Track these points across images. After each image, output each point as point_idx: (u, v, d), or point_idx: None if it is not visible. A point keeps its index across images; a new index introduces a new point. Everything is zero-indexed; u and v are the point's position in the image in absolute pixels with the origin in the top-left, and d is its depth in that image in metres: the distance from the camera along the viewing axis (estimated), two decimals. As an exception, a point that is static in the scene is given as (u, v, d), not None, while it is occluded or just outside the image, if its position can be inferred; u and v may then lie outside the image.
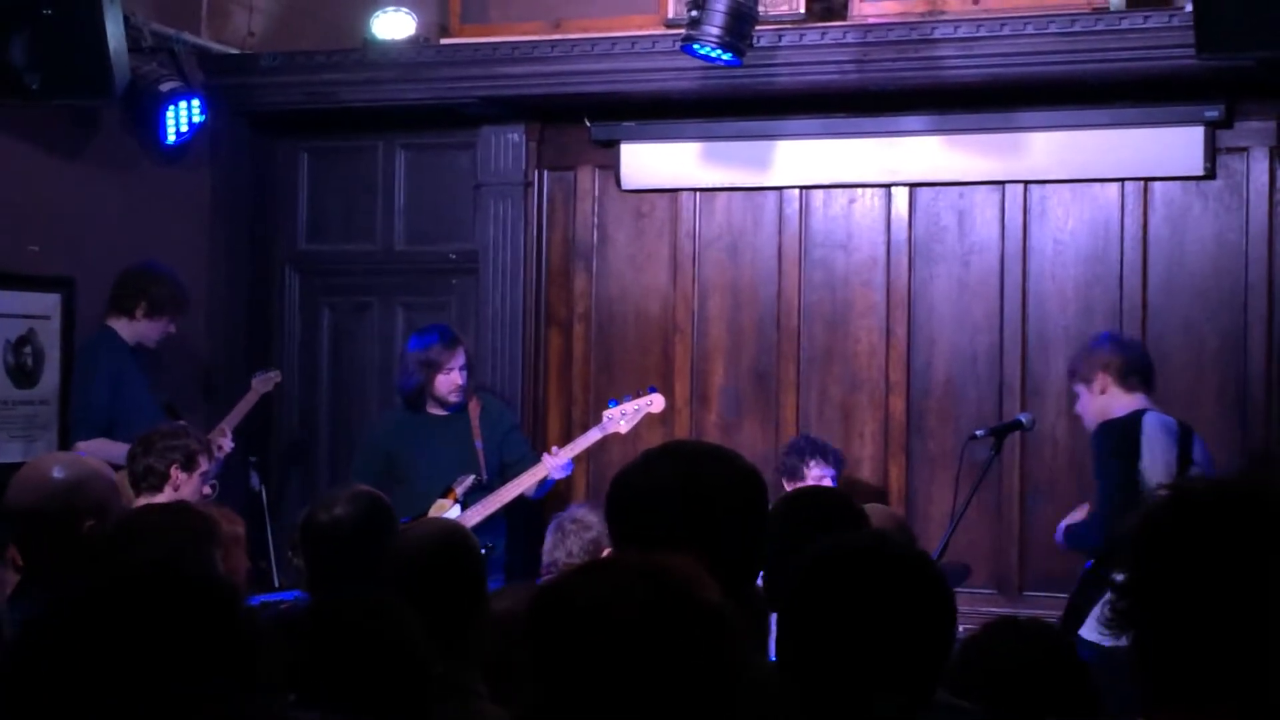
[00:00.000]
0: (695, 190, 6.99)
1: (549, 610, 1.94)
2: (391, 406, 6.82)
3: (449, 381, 6.34)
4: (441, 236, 7.36)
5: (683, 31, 5.94)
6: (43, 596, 3.40)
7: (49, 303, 6.45)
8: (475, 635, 3.16)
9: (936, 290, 6.67)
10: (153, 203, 6.92)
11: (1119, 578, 1.85)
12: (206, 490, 4.88)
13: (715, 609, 1.93)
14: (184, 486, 4.76)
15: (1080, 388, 5.69)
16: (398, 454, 6.38)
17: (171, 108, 6.64)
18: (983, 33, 6.12)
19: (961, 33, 6.15)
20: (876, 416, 6.72)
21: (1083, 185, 6.50)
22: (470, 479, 6.24)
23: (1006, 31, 6.09)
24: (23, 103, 6.01)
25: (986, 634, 2.95)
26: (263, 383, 6.77)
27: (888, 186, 6.74)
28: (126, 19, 6.15)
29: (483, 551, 3.49)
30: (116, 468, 4.54)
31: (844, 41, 6.29)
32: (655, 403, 6.32)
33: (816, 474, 6.09)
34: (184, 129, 6.71)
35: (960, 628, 2.42)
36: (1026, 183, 6.56)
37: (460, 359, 6.37)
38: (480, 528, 6.00)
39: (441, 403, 6.39)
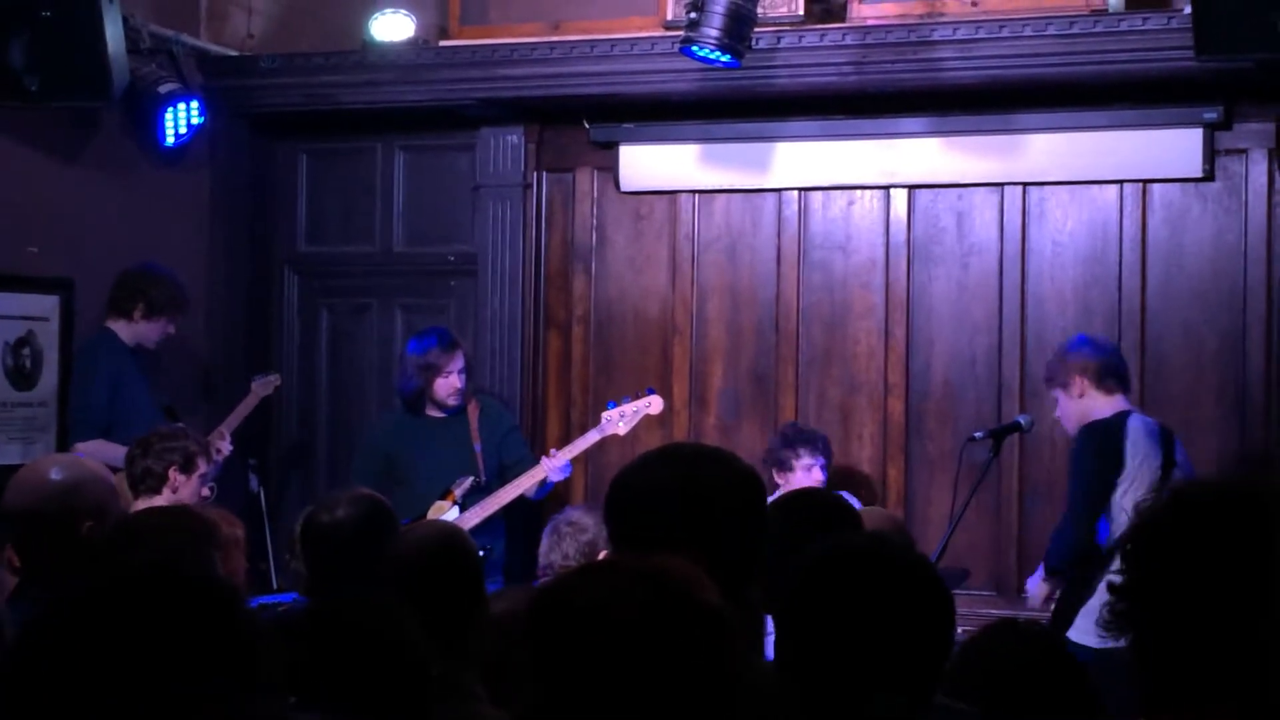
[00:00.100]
0: (694, 192, 6.99)
1: (549, 611, 1.94)
2: (391, 408, 6.82)
3: (448, 385, 6.34)
4: (440, 238, 7.36)
5: (682, 33, 5.95)
6: (41, 598, 3.40)
7: (48, 304, 6.45)
8: (474, 637, 3.16)
9: (935, 292, 6.67)
10: (152, 204, 6.92)
11: (1118, 579, 1.85)
12: (205, 493, 4.88)
13: (715, 610, 1.93)
14: (182, 489, 4.76)
15: (1058, 393, 5.72)
16: (397, 456, 6.38)
17: (170, 109, 6.64)
18: (981, 34, 6.12)
19: (960, 34, 6.15)
20: (875, 418, 6.72)
21: (1081, 187, 6.51)
22: (469, 481, 6.24)
23: (1005, 33, 6.09)
24: (22, 104, 6.01)
25: (985, 636, 2.95)
26: (262, 386, 6.77)
27: (886, 188, 6.74)
28: (125, 20, 6.15)
29: (481, 553, 3.49)
30: (115, 470, 4.54)
31: (843, 43, 6.29)
32: (654, 404, 6.32)
33: (806, 462, 6.07)
34: (183, 131, 6.71)
35: (959, 629, 2.42)
36: (1025, 184, 6.56)
37: (459, 362, 6.37)
38: (479, 529, 6.01)
39: (440, 405, 6.39)
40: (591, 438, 6.30)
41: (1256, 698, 1.74)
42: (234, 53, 7.22)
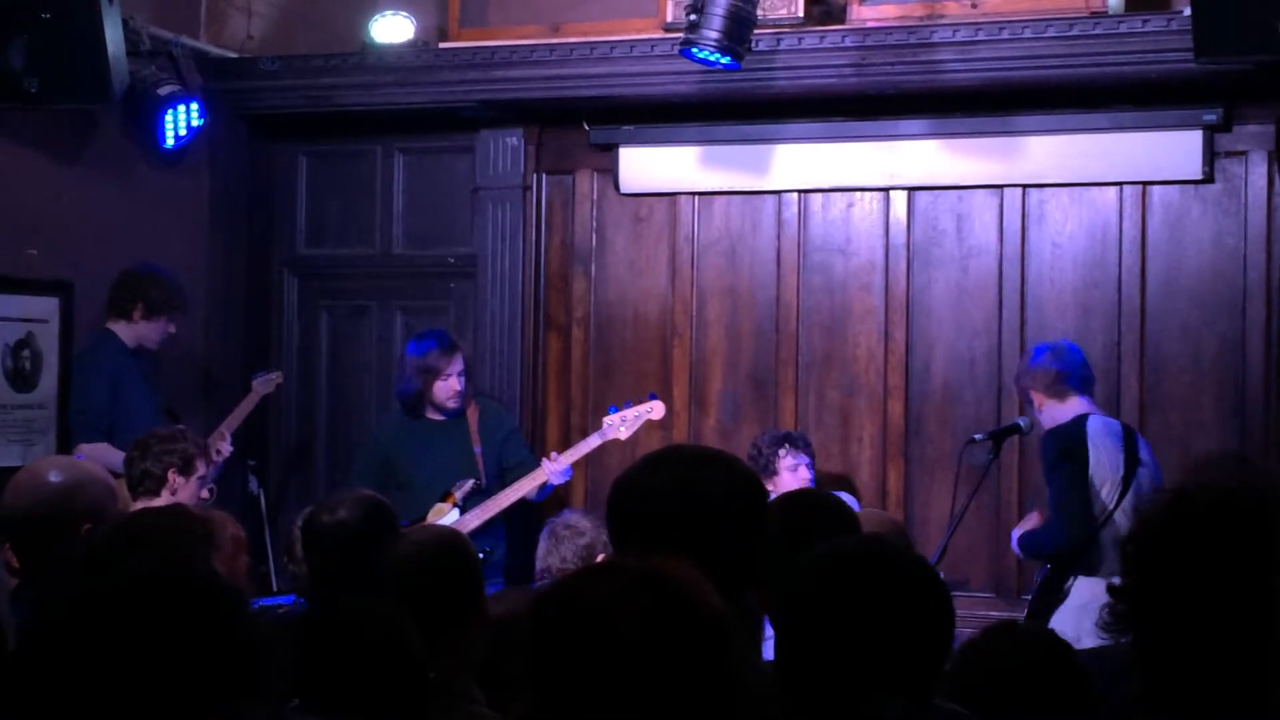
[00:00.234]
0: (694, 194, 6.99)
1: (549, 614, 1.94)
2: (390, 410, 6.82)
3: (447, 387, 6.33)
4: (440, 240, 7.36)
5: (681, 35, 5.95)
6: (40, 600, 3.40)
7: (48, 306, 6.45)
8: (471, 640, 3.16)
9: (935, 294, 6.67)
10: (151, 206, 6.92)
11: (1117, 580, 1.85)
12: (204, 495, 4.87)
13: (715, 613, 1.93)
14: (181, 491, 4.75)
15: (1028, 405, 5.78)
16: (397, 458, 6.38)
17: (170, 111, 6.64)
18: (981, 36, 6.12)
19: (960, 36, 6.15)
20: (875, 420, 6.72)
21: (1081, 189, 6.51)
22: (469, 484, 6.24)
23: (1005, 35, 6.09)
24: (22, 106, 6.01)
25: (985, 638, 2.94)
26: (264, 384, 6.76)
27: (886, 190, 6.74)
28: (125, 22, 6.16)
29: (481, 556, 3.49)
30: (117, 475, 4.53)
31: (843, 45, 6.29)
32: (655, 410, 6.32)
33: (790, 463, 6.04)
34: (183, 132, 6.71)
35: (958, 631, 2.42)
36: (1025, 186, 6.56)
37: (458, 365, 6.36)
38: (479, 532, 6.01)
39: (440, 408, 6.38)
40: (593, 442, 6.30)
41: (1256, 698, 1.74)
42: (234, 55, 7.22)
